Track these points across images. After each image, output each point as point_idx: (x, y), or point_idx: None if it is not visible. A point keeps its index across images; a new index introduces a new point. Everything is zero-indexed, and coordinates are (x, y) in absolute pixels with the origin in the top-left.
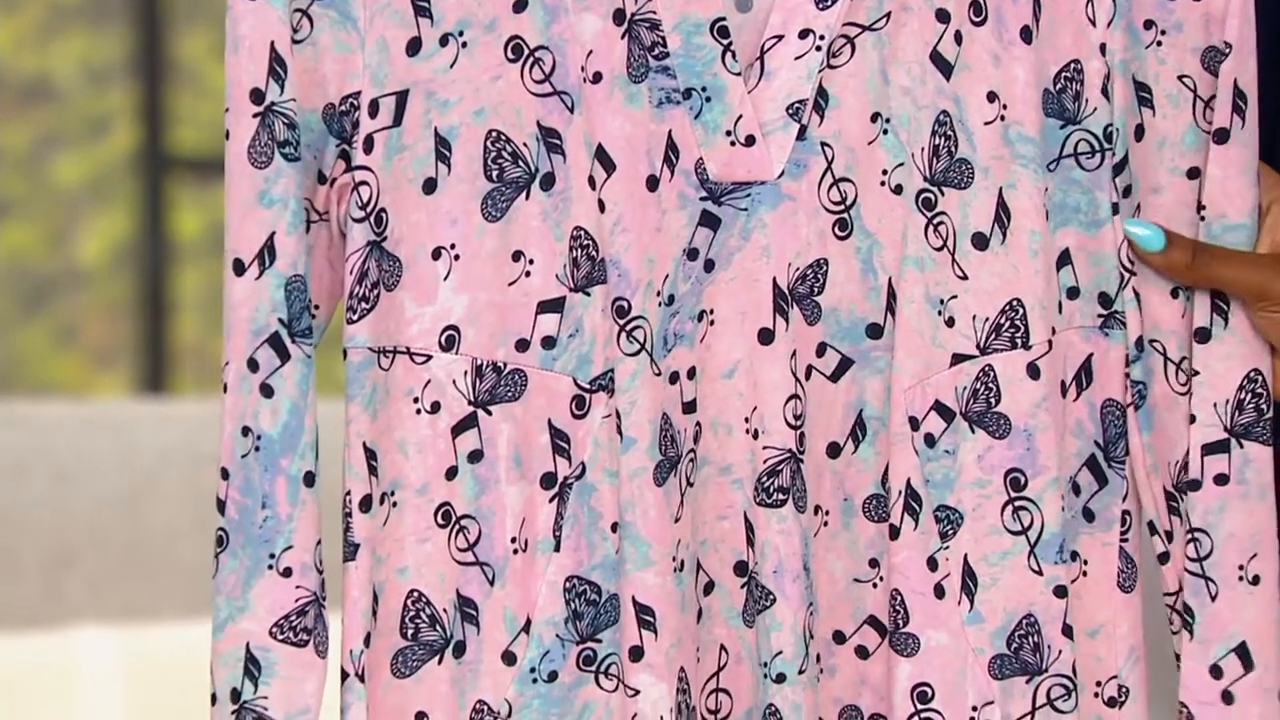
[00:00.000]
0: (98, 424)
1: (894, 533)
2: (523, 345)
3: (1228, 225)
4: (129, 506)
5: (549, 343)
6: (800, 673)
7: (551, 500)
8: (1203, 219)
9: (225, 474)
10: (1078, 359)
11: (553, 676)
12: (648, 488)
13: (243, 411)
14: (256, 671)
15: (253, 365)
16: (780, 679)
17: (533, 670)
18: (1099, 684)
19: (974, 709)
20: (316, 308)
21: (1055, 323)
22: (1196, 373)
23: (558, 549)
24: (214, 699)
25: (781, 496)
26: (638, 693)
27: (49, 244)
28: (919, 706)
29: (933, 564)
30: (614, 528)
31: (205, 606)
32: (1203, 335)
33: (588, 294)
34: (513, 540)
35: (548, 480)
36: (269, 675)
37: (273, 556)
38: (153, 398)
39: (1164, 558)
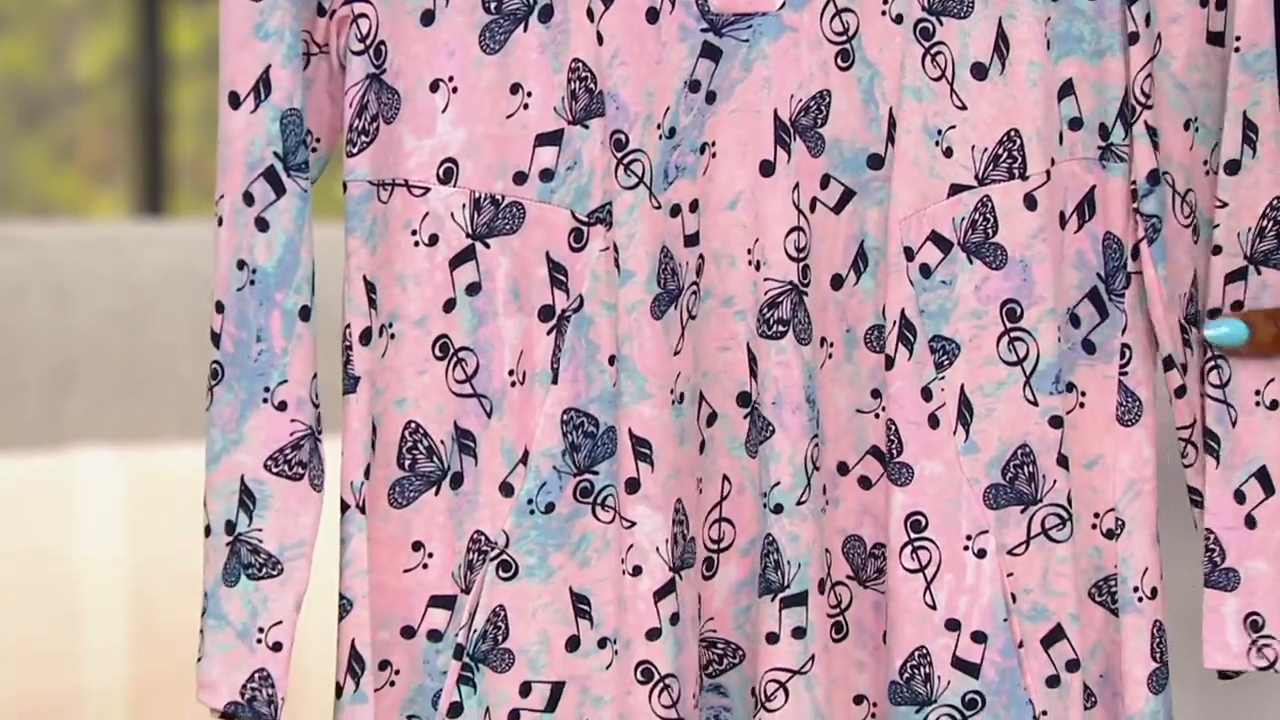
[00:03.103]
0: (97, 243)
1: (889, 363)
2: (520, 178)
3: (1258, 53)
4: (128, 326)
5: (547, 175)
6: (799, 504)
7: (549, 333)
8: (1238, 50)
9: (220, 307)
10: (1080, 190)
11: (550, 508)
12: (645, 321)
13: (238, 245)
14: (251, 504)
15: (248, 199)
16: (778, 509)
17: (530, 502)
18: (1096, 515)
19: (968, 538)
20: (318, 141)
21: (1055, 154)
22: (1224, 204)
23: (555, 381)
24: (207, 530)
25: (781, 329)
26: (634, 524)
27: (46, 59)
28: (913, 535)
29: (927, 394)
30: (611, 360)
31: (204, 425)
32: (1232, 167)
33: (586, 127)
34: (510, 373)
35: (545, 313)
36: (264, 508)
37: (267, 390)
38: (151, 216)
39: (1181, 391)
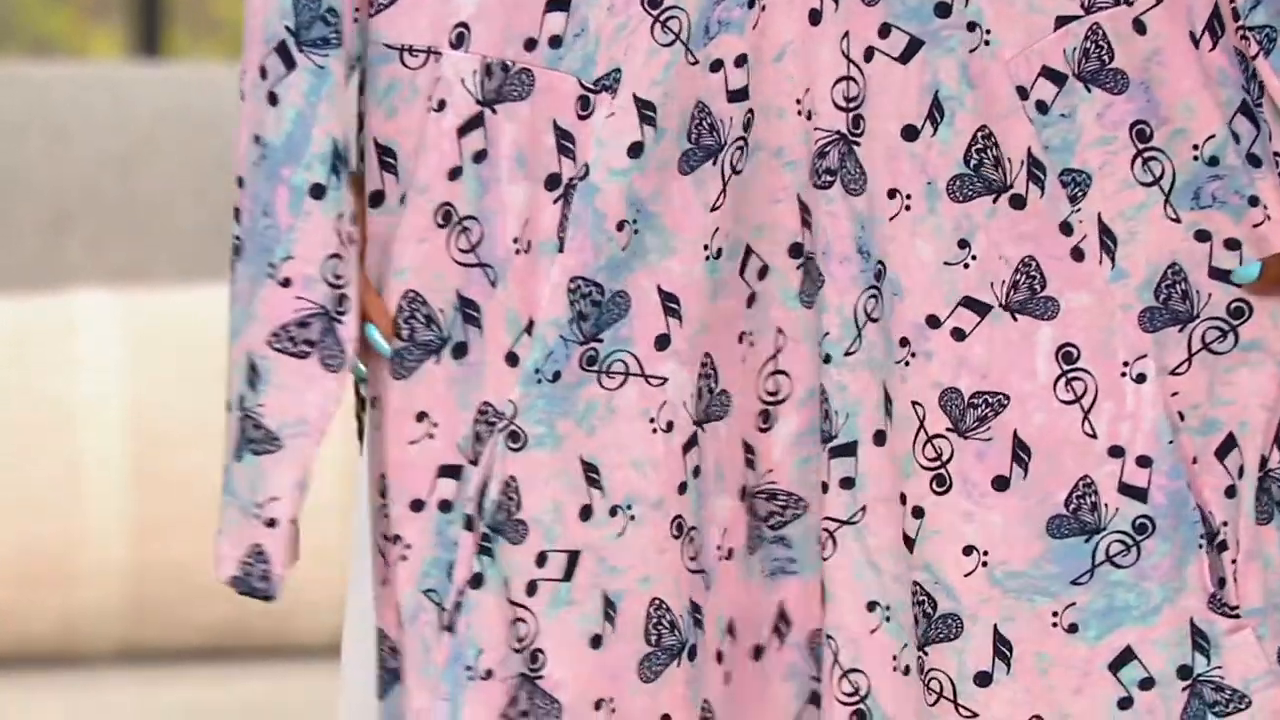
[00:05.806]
0: (94, 84)
1: (1020, 202)
2: (530, 44)
3: None
4: (125, 168)
5: (555, 42)
6: (847, 354)
7: (555, 201)
8: None
9: (240, 182)
10: (1205, 8)
11: (556, 376)
12: (673, 177)
13: (254, 120)
14: (255, 379)
15: (263, 73)
16: (826, 359)
17: (536, 371)
18: None
19: (1125, 364)
20: (358, 11)
21: None
22: None
23: (561, 249)
24: (229, 405)
25: (829, 178)
26: (665, 380)
27: None
28: (1065, 367)
29: (1066, 228)
30: (620, 226)
31: (201, 269)
32: None
33: None
34: (515, 241)
35: (552, 181)
36: (264, 383)
37: (271, 266)
38: (148, 57)
39: None
